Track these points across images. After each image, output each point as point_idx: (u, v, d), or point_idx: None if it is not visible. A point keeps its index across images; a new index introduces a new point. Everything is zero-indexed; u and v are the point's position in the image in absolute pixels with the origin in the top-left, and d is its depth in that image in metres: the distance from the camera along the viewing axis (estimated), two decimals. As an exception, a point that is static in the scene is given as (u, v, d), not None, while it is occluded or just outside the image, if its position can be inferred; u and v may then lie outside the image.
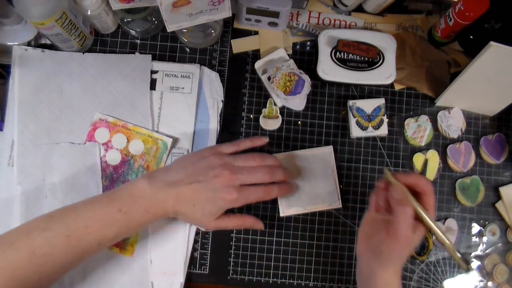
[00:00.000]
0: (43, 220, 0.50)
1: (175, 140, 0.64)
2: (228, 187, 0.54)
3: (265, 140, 0.63)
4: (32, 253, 0.47)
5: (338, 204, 0.66)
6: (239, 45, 0.69)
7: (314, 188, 0.65)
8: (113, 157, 0.63)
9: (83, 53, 0.65)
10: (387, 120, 0.67)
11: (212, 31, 0.66)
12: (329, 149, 0.67)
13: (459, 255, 0.49)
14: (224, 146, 0.60)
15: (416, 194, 0.49)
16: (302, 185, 0.65)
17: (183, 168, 0.55)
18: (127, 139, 0.63)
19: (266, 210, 0.66)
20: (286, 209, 0.65)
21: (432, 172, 0.67)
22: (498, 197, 0.68)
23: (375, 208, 0.54)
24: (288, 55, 0.68)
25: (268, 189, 0.58)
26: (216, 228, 0.57)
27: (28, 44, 0.63)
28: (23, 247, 0.47)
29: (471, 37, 0.67)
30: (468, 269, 0.48)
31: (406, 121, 0.68)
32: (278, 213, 0.65)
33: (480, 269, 0.67)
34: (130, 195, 0.52)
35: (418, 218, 0.49)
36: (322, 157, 0.66)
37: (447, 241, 0.49)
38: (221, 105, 0.67)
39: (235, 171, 0.55)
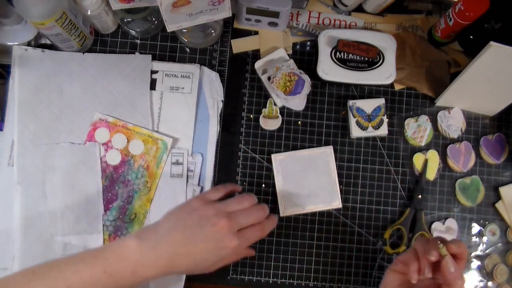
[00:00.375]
0: (25, 276, 0.47)
1: (175, 140, 0.64)
2: (229, 235, 0.52)
3: (238, 189, 0.63)
4: None
5: (338, 204, 0.66)
6: (239, 45, 0.69)
7: (314, 188, 0.65)
8: (113, 157, 0.63)
9: (83, 53, 0.65)
10: (387, 120, 0.67)
11: (212, 31, 0.66)
12: (329, 149, 0.67)
13: None
14: (210, 193, 0.58)
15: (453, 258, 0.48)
16: (302, 185, 0.65)
17: (173, 225, 0.52)
18: (127, 139, 0.63)
19: (266, 210, 0.66)
20: (286, 210, 0.65)
21: (432, 172, 0.67)
22: (498, 197, 0.68)
23: (402, 270, 0.51)
24: (288, 55, 0.68)
25: (263, 226, 0.57)
26: (216, 269, 0.56)
27: (28, 44, 0.63)
28: None
29: (471, 37, 0.67)
30: None
31: (406, 121, 0.68)
32: (278, 213, 0.65)
33: (480, 269, 0.67)
34: (117, 256, 0.49)
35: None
36: (322, 157, 0.66)
37: None
38: (221, 105, 0.67)
39: (231, 217, 0.53)
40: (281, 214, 0.65)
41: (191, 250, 0.51)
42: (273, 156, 0.66)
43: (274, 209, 0.65)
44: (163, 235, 0.51)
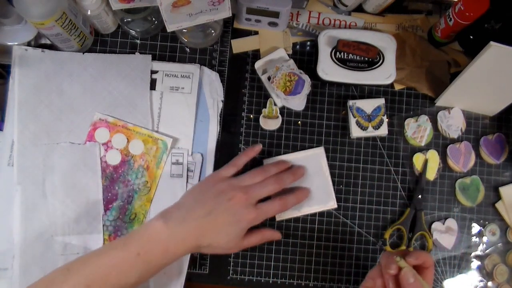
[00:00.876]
0: (61, 274, 0.49)
1: (175, 140, 0.64)
2: (247, 207, 0.54)
3: (258, 148, 0.64)
4: None
5: (333, 204, 0.65)
6: (239, 45, 0.69)
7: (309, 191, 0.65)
8: (113, 157, 0.63)
9: (83, 53, 0.65)
10: (387, 120, 0.67)
11: (212, 31, 0.66)
12: (320, 150, 0.66)
13: None
14: (223, 170, 0.60)
15: (417, 268, 0.50)
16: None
17: (194, 201, 0.55)
18: (127, 139, 0.63)
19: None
20: (281, 214, 0.65)
21: (432, 172, 0.67)
22: (498, 197, 0.68)
23: (372, 286, 0.53)
24: (288, 55, 0.68)
25: (284, 200, 0.59)
26: (241, 249, 0.58)
27: (28, 44, 0.63)
28: None
29: (471, 37, 0.67)
30: None
31: (406, 121, 0.68)
32: (274, 218, 0.65)
33: (480, 269, 0.67)
34: (146, 238, 0.51)
35: None
36: (313, 158, 0.66)
37: None
38: (221, 105, 0.67)
39: (246, 190, 0.55)
40: (277, 219, 0.65)
41: (213, 223, 0.53)
42: (264, 161, 0.66)
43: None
44: (186, 213, 0.53)
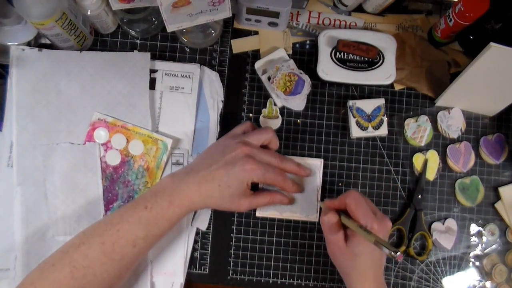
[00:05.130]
0: (77, 237, 0.52)
1: (176, 141, 0.64)
2: (247, 158, 0.55)
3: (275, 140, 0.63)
4: (72, 268, 0.49)
5: (315, 218, 0.65)
6: (239, 45, 0.69)
7: (295, 197, 0.65)
8: (113, 158, 0.63)
9: (80, 51, 0.64)
10: (387, 120, 0.67)
11: (212, 31, 0.66)
12: (319, 162, 0.66)
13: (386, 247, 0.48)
14: (236, 129, 0.62)
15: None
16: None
17: (201, 159, 0.58)
18: (127, 139, 0.63)
19: (266, 210, 0.66)
20: (262, 210, 0.64)
21: (432, 172, 0.68)
22: (498, 197, 0.68)
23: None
24: (288, 55, 0.68)
25: (285, 175, 0.59)
26: (250, 207, 0.58)
27: (28, 44, 0.63)
28: (63, 265, 0.49)
29: (471, 37, 0.67)
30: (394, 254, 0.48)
31: (406, 121, 0.68)
32: (255, 211, 0.65)
33: (479, 269, 0.67)
34: (153, 192, 0.54)
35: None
36: (311, 167, 0.65)
37: (364, 233, 0.51)
38: (221, 105, 0.67)
39: (250, 144, 0.57)
40: (257, 214, 0.65)
41: (214, 174, 0.54)
42: None
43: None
44: (190, 169, 0.56)
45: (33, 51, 0.63)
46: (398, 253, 0.46)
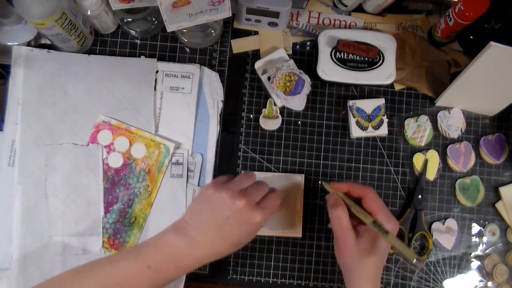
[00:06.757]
0: (71, 276, 0.49)
1: (178, 145, 0.64)
2: (250, 212, 0.52)
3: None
4: None
5: (298, 233, 0.64)
6: (239, 45, 0.69)
7: (277, 213, 0.64)
8: (115, 160, 0.63)
9: (88, 55, 0.65)
10: (387, 120, 0.67)
11: (212, 31, 0.66)
12: (300, 178, 0.65)
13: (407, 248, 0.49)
14: (220, 178, 0.57)
15: (360, 201, 0.54)
16: None
17: (198, 214, 0.53)
18: (130, 142, 0.63)
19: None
20: None
21: (432, 172, 0.67)
22: (498, 197, 0.68)
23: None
24: (288, 55, 0.68)
25: (276, 194, 0.57)
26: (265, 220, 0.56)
27: (28, 44, 0.63)
28: None
29: (471, 37, 0.67)
30: (417, 260, 0.48)
31: (406, 121, 0.68)
32: None
33: (480, 269, 0.67)
34: (158, 251, 0.50)
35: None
36: (291, 184, 0.65)
37: (387, 232, 0.50)
38: (221, 105, 0.67)
39: (245, 194, 0.53)
40: None
41: (227, 238, 0.52)
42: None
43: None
44: (196, 228, 0.51)
45: (42, 52, 0.63)
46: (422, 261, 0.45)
